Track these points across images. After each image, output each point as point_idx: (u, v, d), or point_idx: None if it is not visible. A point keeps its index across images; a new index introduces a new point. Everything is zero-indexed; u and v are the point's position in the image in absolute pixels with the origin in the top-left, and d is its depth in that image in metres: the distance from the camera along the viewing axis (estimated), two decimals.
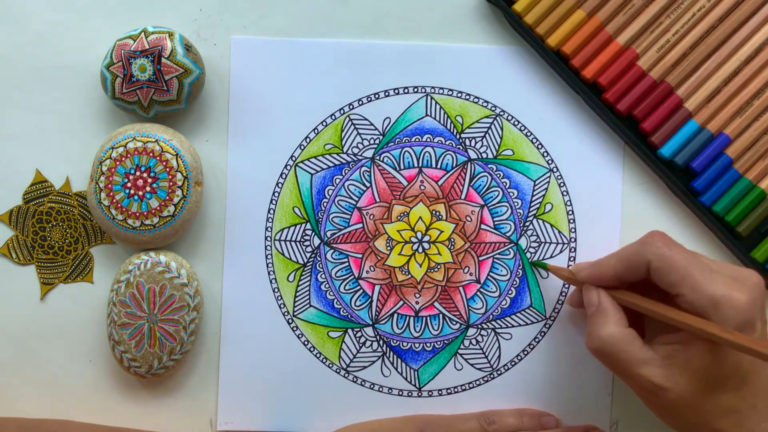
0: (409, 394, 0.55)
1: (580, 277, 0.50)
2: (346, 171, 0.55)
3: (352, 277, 0.55)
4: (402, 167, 0.55)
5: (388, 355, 0.55)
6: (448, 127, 0.55)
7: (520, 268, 0.55)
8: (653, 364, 0.45)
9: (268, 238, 0.54)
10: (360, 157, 0.55)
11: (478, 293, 0.55)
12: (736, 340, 0.42)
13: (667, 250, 0.46)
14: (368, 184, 0.55)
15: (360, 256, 0.55)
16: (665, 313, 0.45)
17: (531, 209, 0.55)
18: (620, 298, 0.48)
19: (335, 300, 0.55)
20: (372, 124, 0.55)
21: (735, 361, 0.45)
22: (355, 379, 0.55)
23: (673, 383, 0.45)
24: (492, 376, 0.55)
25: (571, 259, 0.55)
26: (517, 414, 0.53)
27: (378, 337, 0.55)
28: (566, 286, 0.55)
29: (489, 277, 0.55)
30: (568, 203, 0.55)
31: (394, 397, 0.55)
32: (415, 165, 0.55)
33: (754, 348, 0.41)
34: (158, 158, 0.51)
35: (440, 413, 0.54)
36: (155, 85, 0.51)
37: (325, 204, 0.55)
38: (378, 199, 0.55)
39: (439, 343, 0.55)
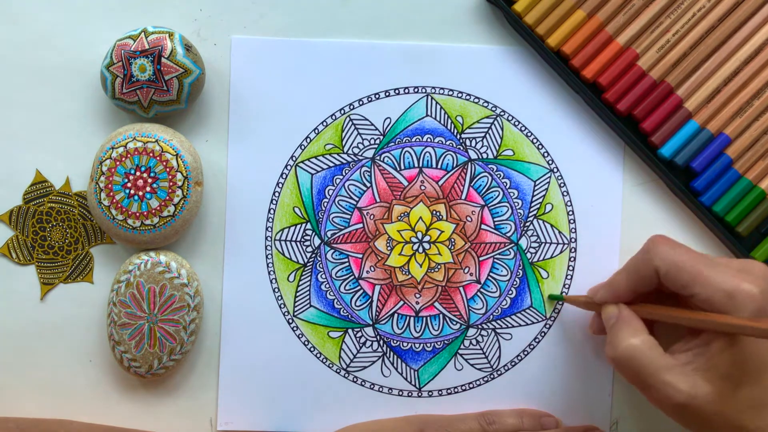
0: (409, 394, 0.55)
1: (596, 298, 0.50)
2: (347, 171, 0.55)
3: (353, 277, 0.55)
4: (402, 167, 0.55)
5: (388, 355, 0.55)
6: (449, 127, 0.55)
7: (521, 268, 0.55)
8: (676, 371, 0.45)
9: (269, 238, 0.54)
10: (360, 157, 0.55)
11: (479, 293, 0.55)
12: (760, 326, 0.42)
13: (672, 252, 0.47)
14: (368, 184, 0.55)
15: (360, 256, 0.55)
16: (687, 316, 0.46)
17: (531, 209, 0.55)
18: (639, 310, 0.48)
19: (335, 300, 0.55)
20: (372, 124, 0.55)
21: (753, 352, 0.45)
22: (355, 379, 0.55)
23: (697, 388, 0.44)
24: (492, 376, 0.55)
25: (571, 259, 0.55)
26: (517, 414, 0.53)
27: (378, 337, 0.55)
28: (566, 286, 0.55)
29: (489, 278, 0.55)
30: (569, 203, 0.55)
31: (394, 397, 0.55)
32: (416, 165, 0.55)
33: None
34: (158, 158, 0.51)
35: (440, 413, 0.54)
36: (155, 85, 0.51)
37: (325, 204, 0.55)
38: (378, 199, 0.55)
39: (439, 343, 0.55)
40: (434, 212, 0.55)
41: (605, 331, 0.50)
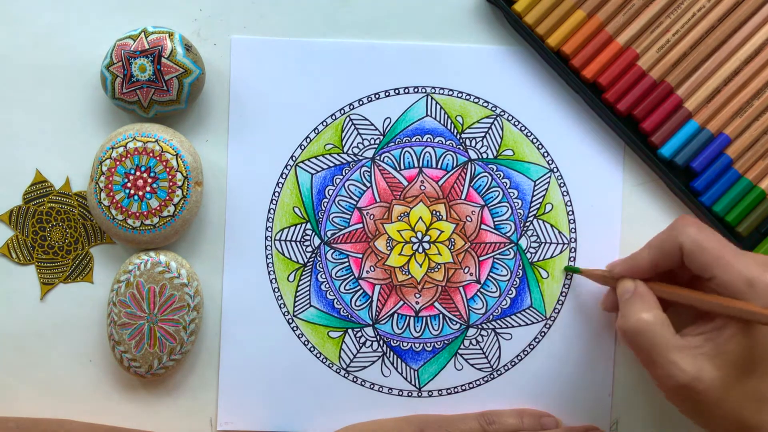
0: (409, 394, 0.55)
1: (615, 272, 0.50)
2: (347, 171, 0.55)
3: (353, 277, 0.55)
4: (402, 167, 0.55)
5: (388, 355, 0.55)
6: (449, 127, 0.55)
7: (521, 268, 0.55)
8: (684, 351, 0.44)
9: (269, 238, 0.54)
10: (360, 157, 0.55)
11: (479, 293, 0.55)
12: None
13: (698, 233, 0.46)
14: (368, 184, 0.55)
15: (360, 256, 0.55)
16: (702, 298, 0.46)
17: (531, 209, 0.55)
18: (655, 288, 0.48)
19: (335, 300, 0.55)
20: (372, 124, 0.55)
21: (766, 344, 0.45)
22: (355, 379, 0.55)
23: (702, 371, 0.44)
24: (492, 376, 0.55)
25: (571, 259, 0.55)
26: (517, 414, 0.53)
27: (378, 337, 0.55)
28: (566, 286, 0.55)
29: (489, 278, 0.55)
30: (569, 203, 0.55)
31: (394, 397, 0.55)
32: (416, 165, 0.55)
33: None
34: (158, 158, 0.51)
35: (440, 413, 0.54)
36: (155, 85, 0.51)
37: (325, 204, 0.55)
38: (378, 199, 0.55)
39: (439, 343, 0.55)
40: (434, 212, 0.55)
41: (617, 308, 0.50)
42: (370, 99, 0.55)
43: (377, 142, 0.55)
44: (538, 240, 0.55)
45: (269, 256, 0.54)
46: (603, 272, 0.51)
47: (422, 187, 0.55)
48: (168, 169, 0.51)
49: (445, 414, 0.54)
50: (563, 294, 0.55)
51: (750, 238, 0.54)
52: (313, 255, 0.55)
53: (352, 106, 0.55)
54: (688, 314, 0.48)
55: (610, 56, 0.53)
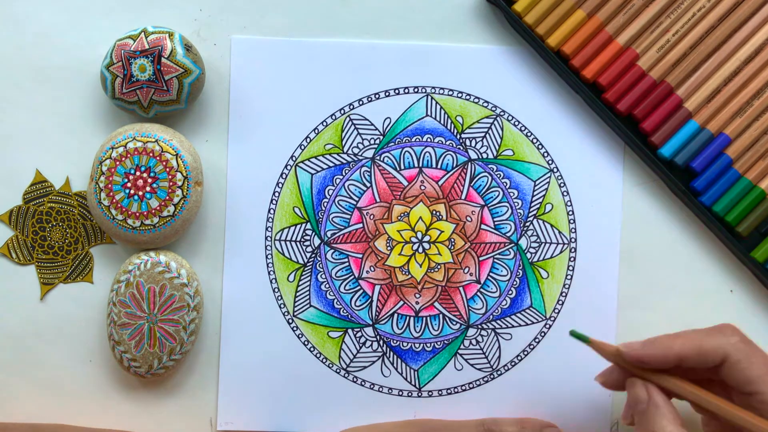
0: (409, 394, 0.55)
1: (628, 357, 0.45)
2: (347, 171, 0.55)
3: (353, 277, 0.55)
4: (402, 167, 0.55)
5: (388, 355, 0.55)
6: (449, 127, 0.55)
7: (521, 268, 0.55)
8: None
9: (268, 238, 0.54)
10: (360, 157, 0.55)
11: (478, 293, 0.55)
12: None
13: (747, 344, 0.44)
14: (368, 184, 0.55)
15: (360, 256, 0.55)
16: (740, 414, 0.42)
17: (531, 209, 0.55)
18: (678, 386, 0.44)
19: (335, 300, 0.55)
20: (372, 124, 0.55)
21: None
22: (355, 379, 0.55)
23: None
24: (492, 376, 0.55)
25: (571, 259, 0.55)
26: (518, 423, 0.53)
27: (378, 337, 0.55)
28: (566, 286, 0.55)
29: (489, 278, 0.55)
30: (569, 203, 0.55)
31: (394, 397, 0.55)
32: (416, 165, 0.55)
33: None
34: (158, 158, 0.51)
35: (440, 414, 0.54)
36: (155, 85, 0.51)
37: (325, 204, 0.55)
38: (378, 199, 0.55)
39: (439, 343, 0.55)
40: (434, 212, 0.55)
41: (618, 387, 0.47)
42: (370, 99, 0.55)
43: (377, 142, 0.55)
44: (538, 240, 0.55)
45: (269, 256, 0.54)
46: (616, 351, 0.46)
47: (422, 187, 0.55)
48: (168, 169, 0.51)
49: (445, 420, 0.54)
50: (563, 294, 0.55)
51: (750, 238, 0.54)
52: (313, 255, 0.55)
53: (352, 106, 0.55)
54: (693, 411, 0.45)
55: (610, 56, 0.53)
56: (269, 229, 0.54)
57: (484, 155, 0.55)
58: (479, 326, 0.55)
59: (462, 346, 0.55)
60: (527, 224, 0.55)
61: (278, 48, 0.54)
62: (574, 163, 0.55)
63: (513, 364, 0.55)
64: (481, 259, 0.55)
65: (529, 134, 0.55)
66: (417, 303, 0.55)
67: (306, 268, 0.55)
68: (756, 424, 0.42)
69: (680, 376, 0.45)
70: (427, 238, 0.55)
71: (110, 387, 0.55)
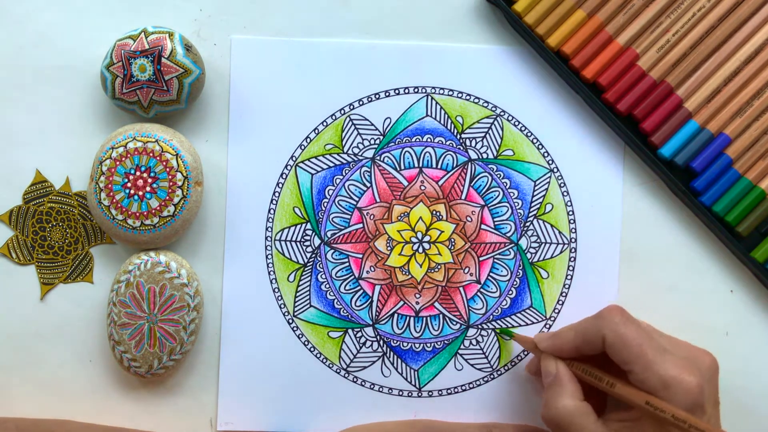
0: (410, 394, 0.55)
1: (541, 347, 0.50)
2: (347, 171, 0.55)
3: (353, 277, 0.55)
4: (402, 167, 0.55)
5: (388, 355, 0.55)
6: (449, 127, 0.55)
7: (521, 268, 0.55)
8: None
9: (269, 238, 0.54)
10: (360, 157, 0.55)
11: (479, 293, 0.55)
12: (684, 420, 0.43)
13: (623, 326, 0.47)
14: (368, 184, 0.55)
15: (360, 256, 0.55)
16: (618, 392, 0.46)
17: (531, 209, 0.55)
18: (577, 370, 0.49)
19: (335, 300, 0.55)
20: (372, 124, 0.55)
21: None
22: (355, 380, 0.55)
23: None
24: (492, 376, 0.55)
25: (571, 259, 0.55)
26: (521, 430, 0.53)
27: (378, 337, 0.55)
28: (566, 286, 0.55)
29: (489, 278, 0.55)
30: (569, 203, 0.55)
31: (394, 397, 0.55)
32: (416, 165, 0.55)
33: (699, 428, 0.42)
34: (158, 158, 0.51)
35: (440, 414, 0.54)
36: (155, 85, 0.51)
37: (325, 204, 0.55)
38: (378, 200, 0.55)
39: (439, 343, 0.55)
40: (434, 212, 0.55)
41: (540, 373, 0.50)
42: (370, 99, 0.55)
43: (377, 142, 0.55)
44: (539, 240, 0.55)
45: (269, 256, 0.54)
46: (532, 342, 0.51)
47: (422, 187, 0.55)
48: (168, 169, 0.51)
49: (447, 421, 0.54)
50: (563, 294, 0.55)
51: (750, 238, 0.54)
52: (313, 255, 0.55)
53: (352, 106, 0.55)
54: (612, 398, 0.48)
55: (610, 56, 0.53)
56: (269, 229, 0.54)
57: (484, 155, 0.55)
58: (479, 326, 0.55)
59: (462, 346, 0.55)
60: (527, 224, 0.55)
61: (278, 48, 0.54)
62: (574, 163, 0.55)
63: (513, 364, 0.55)
64: (481, 259, 0.55)
65: (529, 134, 0.55)
66: (417, 303, 0.55)
67: (306, 268, 0.55)
68: (621, 394, 0.46)
69: (607, 363, 0.48)
70: (427, 239, 0.55)
71: (110, 387, 0.55)
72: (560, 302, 0.55)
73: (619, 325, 0.47)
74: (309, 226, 0.55)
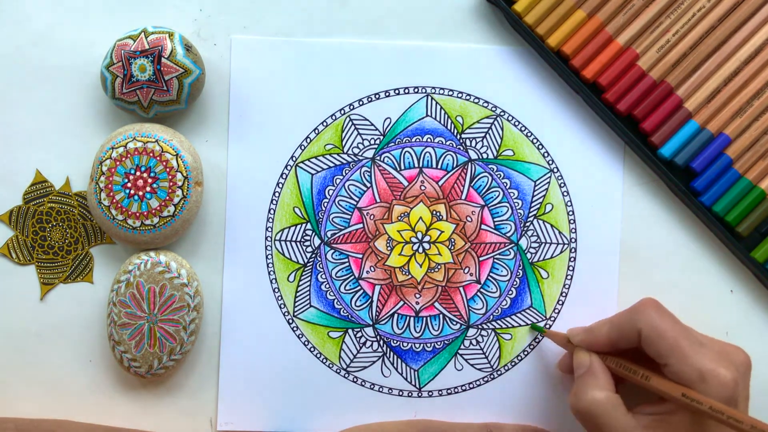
0: (410, 394, 0.55)
1: (575, 341, 0.50)
2: (347, 171, 0.55)
3: (353, 277, 0.55)
4: (402, 167, 0.55)
5: (388, 355, 0.55)
6: (449, 127, 0.55)
7: (521, 268, 0.55)
8: None
9: (269, 238, 0.54)
10: (360, 158, 0.55)
11: (479, 293, 0.55)
12: (722, 412, 0.43)
13: (658, 319, 0.47)
14: (369, 185, 0.55)
15: (360, 256, 0.55)
16: (654, 385, 0.46)
17: (531, 209, 0.55)
18: (611, 364, 0.48)
19: (335, 300, 0.55)
20: (372, 125, 0.55)
21: None
22: (355, 380, 0.55)
23: None
24: (492, 376, 0.55)
25: (571, 259, 0.55)
26: (521, 430, 0.53)
27: (378, 337, 0.55)
28: (566, 286, 0.55)
29: (489, 278, 0.55)
30: (569, 203, 0.55)
31: (395, 397, 0.55)
32: (416, 165, 0.55)
33: (737, 418, 0.42)
34: (158, 158, 0.51)
35: (440, 414, 0.54)
36: (155, 85, 0.51)
37: (325, 204, 0.55)
38: (378, 200, 0.55)
39: (439, 343, 0.55)
40: (434, 212, 0.55)
41: (572, 371, 0.50)
42: (370, 99, 0.55)
43: (377, 142, 0.55)
44: (539, 240, 0.55)
45: (269, 256, 0.54)
46: (564, 337, 0.51)
47: (422, 188, 0.55)
48: (168, 169, 0.51)
49: (447, 421, 0.54)
50: (563, 294, 0.55)
51: (750, 238, 0.54)
52: (314, 255, 0.55)
53: (352, 106, 0.55)
54: (642, 390, 0.48)
55: (610, 56, 0.53)
56: (269, 229, 0.54)
57: (484, 155, 0.55)
58: (479, 326, 0.55)
59: (462, 346, 0.55)
60: (527, 224, 0.55)
61: (278, 48, 0.54)
62: (574, 163, 0.55)
63: (513, 364, 0.55)
64: (481, 259, 0.55)
65: (529, 134, 0.55)
66: (417, 303, 0.55)
67: (306, 269, 0.55)
68: (657, 387, 0.46)
69: (638, 359, 0.48)
70: (427, 239, 0.55)
71: (110, 387, 0.55)
72: (560, 302, 0.55)
73: (654, 318, 0.46)
74: (309, 226, 0.55)
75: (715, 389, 0.44)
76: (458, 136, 0.55)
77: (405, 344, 0.55)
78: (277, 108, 0.54)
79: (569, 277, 0.55)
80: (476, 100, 0.55)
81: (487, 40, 0.55)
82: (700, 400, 0.44)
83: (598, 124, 0.55)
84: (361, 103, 0.55)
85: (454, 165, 0.55)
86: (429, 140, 0.55)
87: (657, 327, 0.46)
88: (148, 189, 0.51)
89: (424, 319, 0.55)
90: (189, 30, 0.54)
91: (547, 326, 0.55)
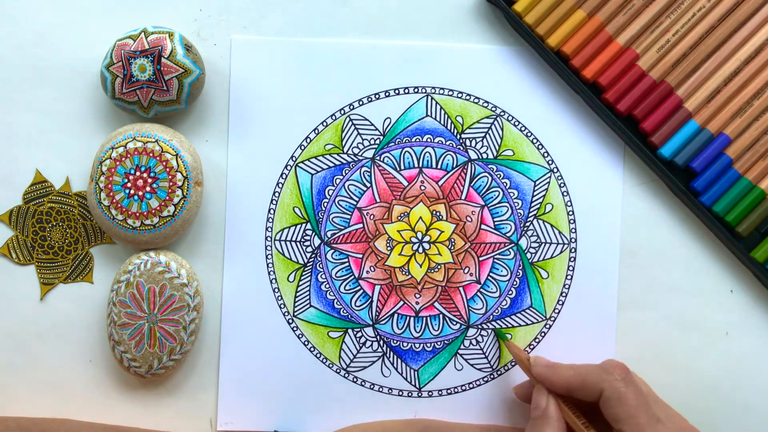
0: (409, 394, 0.55)
1: (534, 371, 0.50)
2: (347, 171, 0.55)
3: (353, 277, 0.55)
4: (402, 167, 0.55)
5: (388, 355, 0.55)
6: (449, 127, 0.55)
7: (521, 268, 0.55)
8: None
9: (269, 238, 0.54)
10: (360, 158, 0.55)
11: (479, 293, 0.55)
12: None
13: (623, 385, 0.46)
14: (368, 185, 0.55)
15: (360, 256, 0.55)
16: None
17: (531, 209, 0.55)
18: (565, 413, 0.48)
19: (335, 300, 0.55)
20: (372, 125, 0.55)
21: None
22: (355, 380, 0.55)
23: None
24: (492, 376, 0.55)
25: (571, 259, 0.55)
26: None
27: (378, 337, 0.55)
28: (566, 286, 0.55)
29: (489, 278, 0.55)
30: (569, 203, 0.55)
31: (394, 397, 0.55)
32: (416, 165, 0.55)
33: None
34: (158, 158, 0.51)
35: (440, 414, 0.54)
36: (155, 85, 0.51)
37: (325, 204, 0.55)
38: (378, 200, 0.55)
39: (439, 343, 0.55)
40: (434, 212, 0.55)
41: (527, 400, 0.51)
42: (370, 99, 0.55)
43: (377, 142, 0.55)
44: (538, 240, 0.55)
45: (269, 256, 0.54)
46: (526, 360, 0.51)
47: (422, 188, 0.55)
48: (168, 169, 0.51)
49: (447, 421, 0.54)
50: (563, 294, 0.55)
51: (750, 238, 0.54)
52: (313, 255, 0.55)
53: (352, 106, 0.55)
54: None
55: (610, 56, 0.53)
56: (269, 229, 0.54)
57: (484, 155, 0.55)
58: (479, 326, 0.55)
59: (462, 346, 0.55)
60: (527, 224, 0.55)
61: (278, 48, 0.54)
62: (574, 163, 0.55)
63: (513, 364, 0.55)
64: (481, 259, 0.55)
65: (529, 134, 0.55)
66: (417, 303, 0.55)
67: (306, 268, 0.55)
68: None
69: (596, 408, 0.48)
70: (427, 239, 0.55)
71: (110, 387, 0.55)
72: (560, 302, 0.55)
73: (620, 382, 0.47)
74: (309, 226, 0.55)
75: None
76: (458, 136, 0.55)
77: (405, 344, 0.55)
78: (277, 108, 0.54)
79: (569, 277, 0.55)
80: (476, 100, 0.55)
81: (487, 40, 0.55)
82: None
83: (598, 124, 0.55)
84: (361, 103, 0.55)
85: (454, 165, 0.55)
86: (429, 140, 0.55)
87: (620, 392, 0.46)
88: (148, 189, 0.51)
89: (424, 319, 0.55)
90: (189, 30, 0.54)
91: (548, 326, 0.55)
